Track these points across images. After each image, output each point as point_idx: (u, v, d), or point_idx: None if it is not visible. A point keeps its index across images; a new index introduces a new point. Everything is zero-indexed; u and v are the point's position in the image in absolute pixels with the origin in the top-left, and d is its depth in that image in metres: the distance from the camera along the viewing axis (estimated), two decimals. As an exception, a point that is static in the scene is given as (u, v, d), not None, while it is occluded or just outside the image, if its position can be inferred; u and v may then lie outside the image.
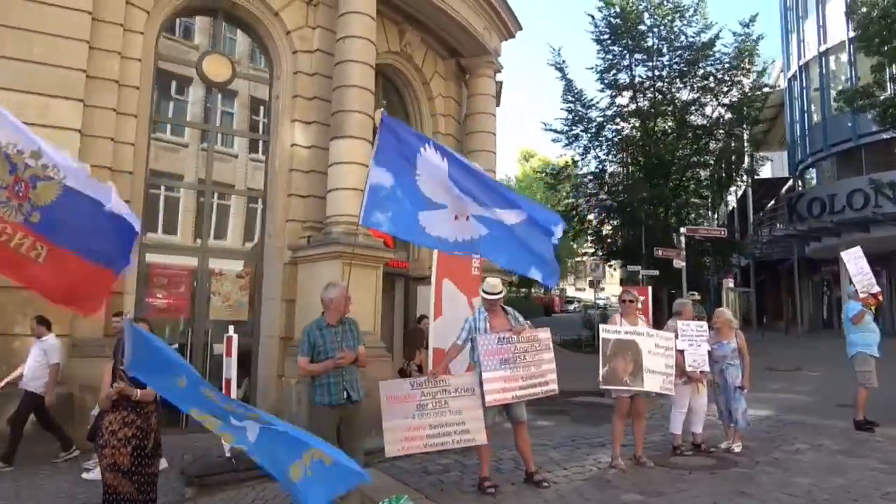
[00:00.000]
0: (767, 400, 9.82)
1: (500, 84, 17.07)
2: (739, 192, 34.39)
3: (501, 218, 5.07)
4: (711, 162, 25.69)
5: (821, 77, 24.85)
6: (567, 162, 27.19)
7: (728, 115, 25.40)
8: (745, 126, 25.46)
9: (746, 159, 27.94)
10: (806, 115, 26.61)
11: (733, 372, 6.48)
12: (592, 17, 25.83)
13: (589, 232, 26.42)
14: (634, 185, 25.46)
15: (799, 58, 26.63)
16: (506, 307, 5.54)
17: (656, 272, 21.19)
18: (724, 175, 25.82)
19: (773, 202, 31.52)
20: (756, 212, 30.92)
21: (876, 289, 7.74)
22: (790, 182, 30.92)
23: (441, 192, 4.97)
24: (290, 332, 9.46)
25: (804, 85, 26.37)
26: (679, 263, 13.10)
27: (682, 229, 13.13)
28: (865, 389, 7.53)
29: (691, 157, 25.26)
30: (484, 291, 5.43)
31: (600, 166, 26.72)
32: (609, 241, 25.73)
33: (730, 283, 19.19)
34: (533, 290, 65.31)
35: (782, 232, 24.32)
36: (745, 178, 27.37)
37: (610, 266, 31.84)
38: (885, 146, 22.07)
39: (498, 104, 18.83)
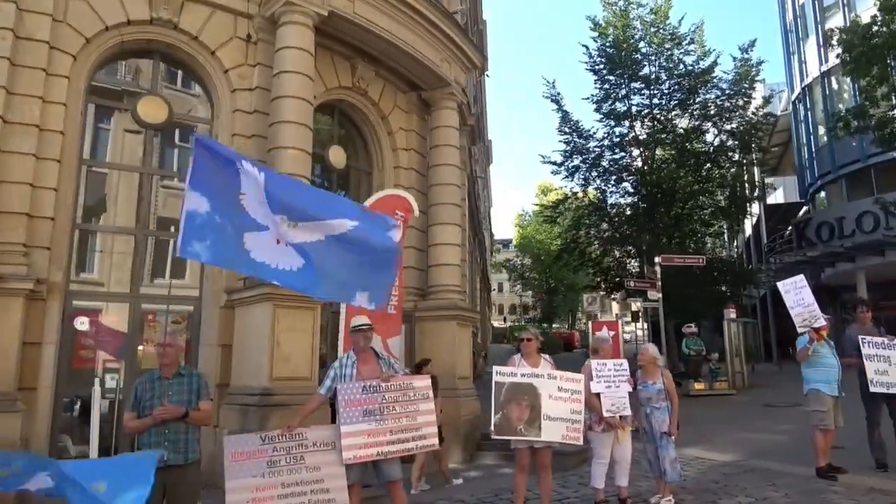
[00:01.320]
0: (742, 442, 9.02)
1: (475, 116, 16.80)
2: (754, 220, 33.40)
3: (327, 232, 4.59)
4: (714, 189, 24.94)
5: (824, 97, 24.09)
6: (566, 193, 26.70)
7: (730, 142, 24.79)
8: (750, 153, 24.76)
9: (755, 186, 27.08)
10: (812, 137, 25.76)
11: (659, 416, 5.82)
12: (587, 47, 25.64)
13: (590, 265, 25.70)
14: (635, 215, 24.84)
15: (801, 79, 25.93)
16: (379, 352, 5.03)
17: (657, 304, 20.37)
18: (729, 203, 24.99)
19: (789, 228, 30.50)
20: (770, 238, 29.88)
21: (819, 323, 6.97)
22: (805, 207, 29.89)
23: (264, 212, 4.51)
24: (225, 379, 9.04)
25: (808, 107, 25.59)
26: (654, 295, 12.37)
27: (657, 259, 12.40)
28: (822, 432, 6.77)
29: (693, 184, 24.58)
30: (352, 326, 4.93)
31: (601, 197, 26.16)
32: (612, 273, 24.99)
33: (731, 313, 18.19)
34: (554, 325, 64.25)
35: (792, 259, 23.24)
36: (752, 205, 26.47)
37: (618, 299, 31.00)
38: (895, 165, 21.12)
39: (477, 140, 18.55)
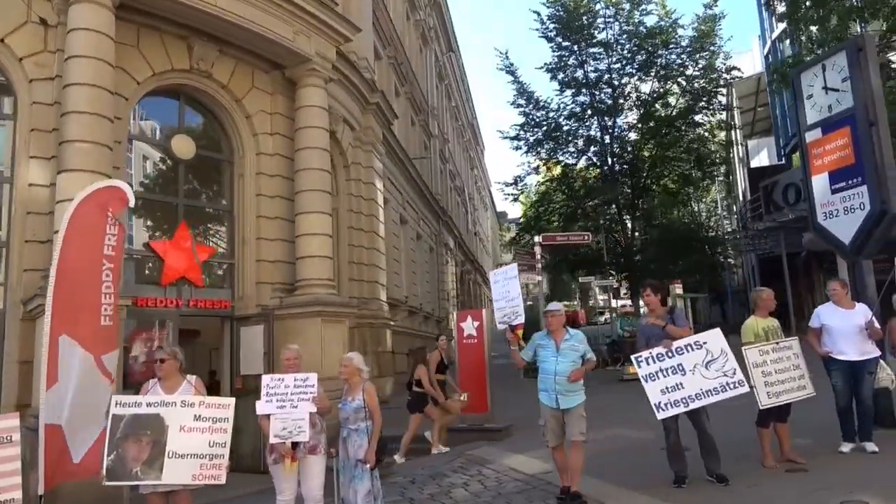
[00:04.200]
0: (595, 443, 7.93)
1: (382, 93, 15.72)
2: (743, 184, 31.82)
3: None
4: (679, 156, 23.60)
5: (792, 49, 22.33)
6: (526, 169, 25.61)
7: (694, 104, 23.47)
8: (712, 111, 23.45)
9: (727, 147, 25.59)
10: (785, 93, 24.02)
11: (356, 440, 4.84)
12: (538, 13, 24.35)
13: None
14: (594, 188, 23.72)
15: (771, 31, 24.21)
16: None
17: (615, 283, 19.27)
18: (694, 168, 23.63)
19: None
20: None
21: (517, 321, 5.78)
22: (791, 169, 28.14)
23: None
24: (26, 399, 8.31)
25: (780, 60, 23.83)
26: (534, 278, 11.25)
27: (537, 238, 11.26)
28: (550, 449, 5.60)
29: (655, 150, 23.29)
30: None
31: (564, 170, 24.98)
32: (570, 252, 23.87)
33: (677, 288, 16.77)
34: (564, 303, 62.90)
35: (764, 225, 21.71)
36: (722, 168, 25.06)
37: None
38: (866, 119, 19.40)
39: (394, 119, 17.45)
